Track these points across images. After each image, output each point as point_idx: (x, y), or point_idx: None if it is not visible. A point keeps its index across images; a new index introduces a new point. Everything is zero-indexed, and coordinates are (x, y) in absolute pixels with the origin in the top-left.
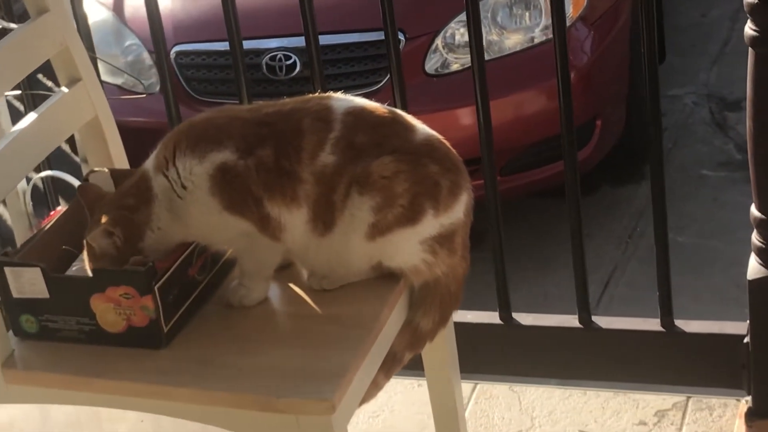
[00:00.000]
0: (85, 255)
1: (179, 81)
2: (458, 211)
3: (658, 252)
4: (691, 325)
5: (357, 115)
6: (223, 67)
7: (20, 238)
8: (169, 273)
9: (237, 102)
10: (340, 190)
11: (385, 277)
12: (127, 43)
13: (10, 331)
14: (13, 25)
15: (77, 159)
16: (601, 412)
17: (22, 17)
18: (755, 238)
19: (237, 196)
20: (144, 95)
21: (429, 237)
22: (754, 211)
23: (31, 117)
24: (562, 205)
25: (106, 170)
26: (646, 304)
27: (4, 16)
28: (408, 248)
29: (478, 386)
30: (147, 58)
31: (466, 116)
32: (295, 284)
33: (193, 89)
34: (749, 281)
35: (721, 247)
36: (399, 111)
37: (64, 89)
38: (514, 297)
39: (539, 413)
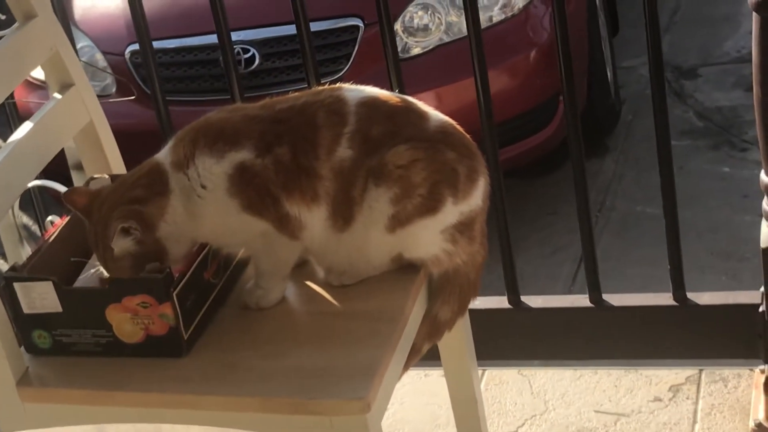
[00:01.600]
0: (100, 260)
1: (135, 81)
2: (477, 197)
3: (668, 227)
4: (703, 298)
5: (370, 105)
6: (179, 65)
7: (10, 250)
8: (186, 278)
9: (196, 99)
10: (359, 184)
11: (403, 268)
12: (79, 45)
13: (23, 348)
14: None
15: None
16: (614, 390)
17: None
18: (766, 204)
19: (256, 197)
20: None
21: (449, 225)
22: (763, 177)
23: (27, 126)
24: (526, 185)
25: (107, 176)
26: (622, 277)
27: None
28: (428, 238)
29: (486, 372)
30: (100, 60)
31: (429, 100)
32: (311, 282)
33: (149, 88)
34: (763, 249)
35: (690, 216)
36: (411, 99)
37: (57, 96)
38: (490, 279)
39: (551, 396)
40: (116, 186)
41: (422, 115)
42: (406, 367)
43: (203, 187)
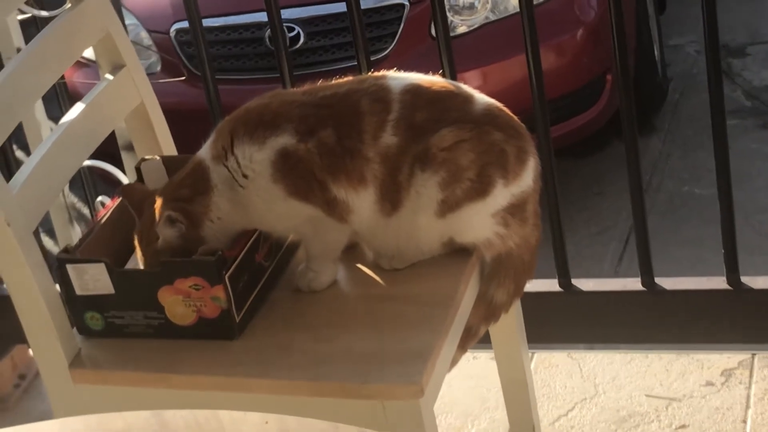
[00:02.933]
0: (138, 255)
1: (180, 59)
2: (527, 177)
3: (722, 209)
4: (758, 282)
5: (414, 92)
6: (225, 43)
7: (59, 230)
8: (237, 261)
9: (241, 77)
10: (405, 170)
11: (455, 251)
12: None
13: (75, 330)
14: (44, 13)
15: None
16: (665, 375)
17: (50, 4)
18: None
19: (301, 182)
20: None
21: (500, 209)
22: None
23: (78, 108)
24: (571, 164)
25: (158, 158)
26: (670, 257)
27: (33, 4)
28: (480, 222)
29: (536, 355)
30: (145, 38)
31: (474, 79)
32: (362, 264)
33: (195, 66)
34: None
35: (740, 196)
36: (456, 83)
37: (109, 77)
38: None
39: (602, 380)
40: (164, 187)
41: (467, 99)
42: (463, 350)
43: (245, 176)
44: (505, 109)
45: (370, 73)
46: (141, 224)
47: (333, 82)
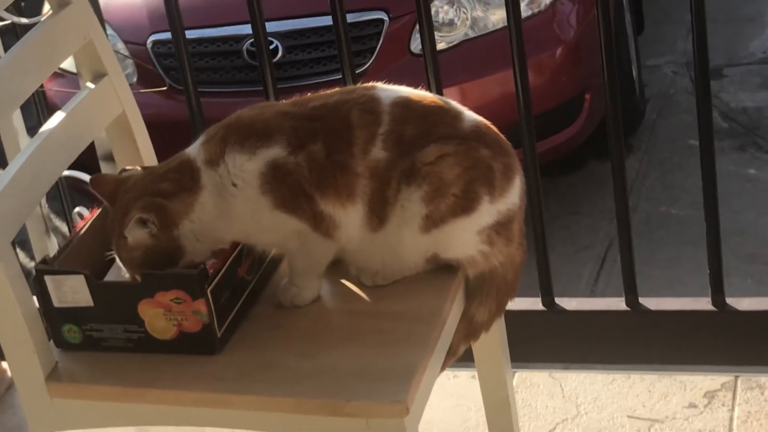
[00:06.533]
0: (114, 246)
1: (157, 71)
2: (513, 195)
3: (709, 231)
4: (743, 303)
5: (404, 105)
6: (203, 55)
7: (35, 241)
8: (220, 274)
9: (218, 90)
10: (392, 185)
11: (440, 268)
12: None
13: (52, 342)
14: (24, 20)
15: None
16: (648, 396)
17: (30, 11)
18: None
19: (289, 194)
20: None
21: (486, 226)
22: None
23: (59, 116)
24: (548, 183)
25: (139, 168)
26: (645, 278)
27: (12, 11)
28: (465, 239)
29: (517, 374)
30: (122, 49)
31: (454, 95)
32: (346, 280)
33: (172, 79)
34: None
35: None
36: (445, 99)
37: (90, 85)
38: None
39: (583, 400)
40: (144, 175)
41: (456, 115)
42: (441, 369)
43: (234, 185)
44: (493, 126)
45: (358, 84)
46: (114, 213)
47: (322, 92)
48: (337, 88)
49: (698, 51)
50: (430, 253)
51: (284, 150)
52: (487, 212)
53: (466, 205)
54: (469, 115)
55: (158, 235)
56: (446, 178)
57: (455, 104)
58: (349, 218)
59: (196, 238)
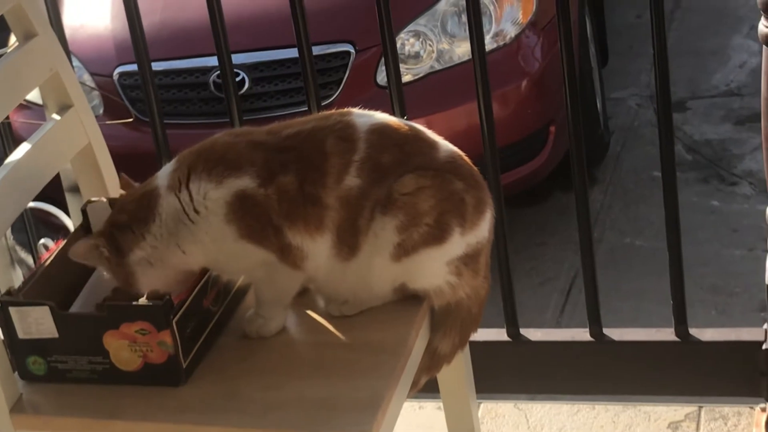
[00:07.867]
0: None
1: (123, 102)
2: (484, 228)
3: (672, 262)
4: (706, 334)
5: (381, 133)
6: (169, 87)
7: (1, 273)
8: (186, 305)
9: (184, 122)
10: (365, 213)
11: (406, 299)
12: None
13: (16, 374)
14: None
15: None
16: (612, 426)
17: None
18: None
19: (256, 225)
20: None
21: (455, 257)
22: None
23: (24, 147)
24: (513, 215)
25: (104, 200)
26: (610, 309)
27: None
28: (434, 269)
29: (483, 405)
30: (88, 80)
31: None
32: (312, 311)
33: (138, 110)
34: None
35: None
36: (420, 127)
37: (56, 116)
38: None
39: (549, 431)
40: (117, 202)
41: (432, 145)
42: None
43: (196, 212)
44: (467, 158)
45: (334, 110)
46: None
47: (297, 119)
48: (314, 114)
49: (660, 84)
50: (398, 282)
51: (253, 181)
52: (458, 244)
53: (437, 235)
54: (445, 144)
55: (110, 260)
56: (421, 208)
57: (430, 133)
58: (318, 249)
59: (149, 265)
